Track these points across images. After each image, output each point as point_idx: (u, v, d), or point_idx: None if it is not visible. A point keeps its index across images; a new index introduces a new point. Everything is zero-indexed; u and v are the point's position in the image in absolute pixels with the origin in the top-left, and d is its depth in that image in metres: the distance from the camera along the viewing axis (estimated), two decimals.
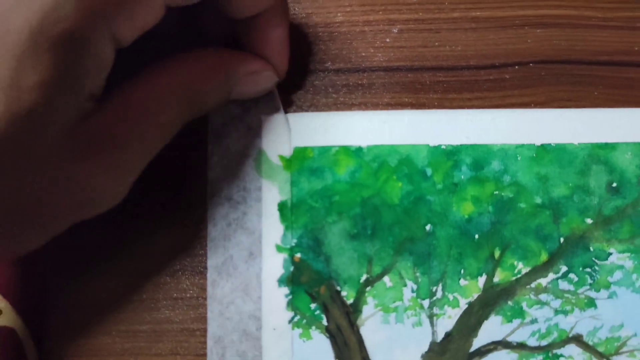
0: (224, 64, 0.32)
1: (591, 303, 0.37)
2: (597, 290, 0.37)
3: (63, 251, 0.36)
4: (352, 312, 0.36)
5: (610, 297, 0.37)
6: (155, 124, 0.30)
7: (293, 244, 0.37)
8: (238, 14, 0.31)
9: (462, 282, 0.37)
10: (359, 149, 0.37)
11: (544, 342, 0.36)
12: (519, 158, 0.37)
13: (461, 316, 0.36)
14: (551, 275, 0.37)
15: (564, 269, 0.37)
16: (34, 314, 0.40)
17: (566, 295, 0.37)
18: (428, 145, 0.37)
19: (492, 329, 0.36)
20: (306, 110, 0.38)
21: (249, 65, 0.33)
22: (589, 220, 0.37)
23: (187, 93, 0.31)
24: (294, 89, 0.38)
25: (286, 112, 0.37)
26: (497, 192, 0.37)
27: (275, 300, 0.36)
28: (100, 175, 0.28)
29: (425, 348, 0.36)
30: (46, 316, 0.37)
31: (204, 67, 0.32)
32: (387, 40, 0.38)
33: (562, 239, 0.37)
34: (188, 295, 0.37)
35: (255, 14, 0.31)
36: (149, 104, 0.30)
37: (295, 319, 0.36)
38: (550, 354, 0.36)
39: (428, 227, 0.37)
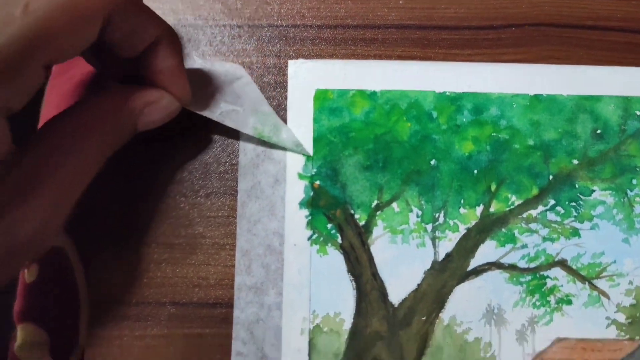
0: (123, 100, 0.34)
1: (575, 233, 0.41)
2: (581, 222, 0.41)
3: (108, 175, 0.41)
4: (364, 232, 0.41)
5: (592, 228, 0.41)
6: (72, 168, 0.32)
7: (313, 173, 0.42)
8: (127, 54, 0.33)
9: (462, 210, 0.42)
10: (374, 93, 0.43)
11: (532, 265, 0.41)
12: (514, 106, 0.43)
13: (460, 240, 0.41)
14: (540, 208, 0.42)
15: (552, 202, 0.42)
16: (81, 233, 0.45)
17: (553, 225, 0.41)
18: (434, 91, 0.43)
19: (487, 251, 0.41)
20: (329, 59, 0.43)
21: (145, 97, 0.34)
22: (575, 161, 0.42)
23: (95, 135, 0.33)
24: (319, 41, 0.43)
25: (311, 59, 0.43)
26: (494, 134, 0.42)
27: (296, 220, 0.41)
28: (26, 223, 0.29)
29: (428, 266, 0.41)
30: (92, 235, 0.42)
31: (106, 107, 0.33)
32: (400, 1, 0.44)
33: (551, 177, 0.42)
34: (220, 214, 0.42)
35: (143, 50, 0.33)
36: (61, 149, 0.31)
37: (314, 237, 0.41)
38: (537, 275, 0.41)
39: (433, 162, 0.42)
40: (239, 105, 0.41)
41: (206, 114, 0.40)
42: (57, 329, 0.45)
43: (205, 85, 0.40)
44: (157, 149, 0.42)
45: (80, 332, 0.45)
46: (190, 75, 0.38)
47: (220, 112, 0.40)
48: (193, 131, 0.42)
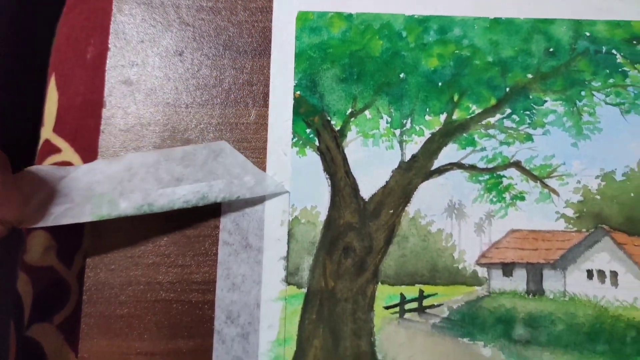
0: None
1: (529, 138, 0.46)
2: (534, 128, 0.46)
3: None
4: (339, 136, 0.46)
5: (544, 134, 0.46)
6: None
7: (294, 84, 0.47)
8: None
9: (427, 117, 0.46)
10: (350, 15, 0.48)
11: (490, 165, 0.46)
12: (475, 27, 0.47)
13: (425, 143, 0.46)
14: (498, 116, 0.46)
15: (508, 111, 0.46)
16: (88, 152, 0.50)
17: (509, 131, 0.46)
18: (404, 14, 0.48)
19: (449, 153, 0.46)
20: None
21: None
22: (529, 75, 0.47)
23: None
24: None
25: None
26: (457, 51, 0.47)
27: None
28: None
29: (395, 165, 0.46)
30: (97, 148, 0.47)
31: None
32: None
33: (507, 89, 0.47)
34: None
35: None
36: None
37: (294, 140, 0.46)
38: (494, 175, 0.46)
39: (402, 75, 0.47)
40: (69, 202, 0.41)
41: (40, 224, 0.40)
42: (62, 233, 0.50)
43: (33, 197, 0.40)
44: None
45: (84, 235, 0.50)
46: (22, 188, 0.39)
47: (53, 217, 0.40)
48: None
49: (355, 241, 0.44)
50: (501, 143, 0.46)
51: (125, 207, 0.42)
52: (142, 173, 0.42)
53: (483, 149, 0.46)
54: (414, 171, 0.45)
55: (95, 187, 0.42)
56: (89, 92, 0.51)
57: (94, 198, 0.41)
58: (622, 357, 0.43)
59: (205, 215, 0.45)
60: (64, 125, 0.51)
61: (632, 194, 0.45)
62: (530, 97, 0.46)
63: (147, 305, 0.44)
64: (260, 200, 0.44)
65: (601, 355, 0.43)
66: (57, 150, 0.51)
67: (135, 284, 0.44)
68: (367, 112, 0.46)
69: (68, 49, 0.53)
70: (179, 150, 0.44)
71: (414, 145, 0.46)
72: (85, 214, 0.41)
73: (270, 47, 0.47)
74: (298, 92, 0.46)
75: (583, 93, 0.46)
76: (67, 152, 0.51)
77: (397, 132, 0.46)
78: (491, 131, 0.46)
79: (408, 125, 0.46)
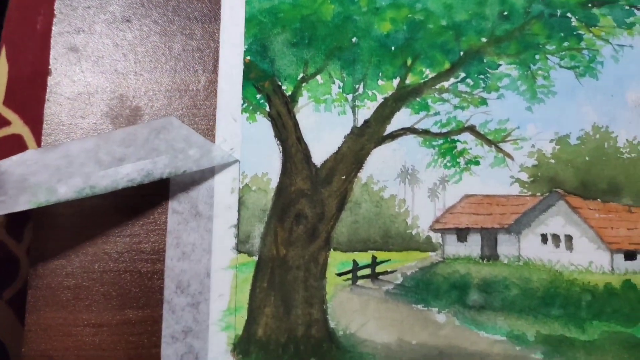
0: None
1: (483, 102, 0.45)
2: (489, 92, 0.45)
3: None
4: (290, 102, 0.45)
5: (499, 97, 0.45)
6: None
7: (245, 49, 0.46)
8: None
9: (380, 82, 0.46)
10: None
11: (444, 130, 0.45)
12: None
13: (378, 107, 0.45)
14: (452, 80, 0.46)
15: (462, 75, 0.46)
16: (38, 123, 0.49)
17: (463, 95, 0.45)
18: None
19: (402, 118, 0.45)
20: None
21: None
22: (483, 39, 0.46)
23: None
24: None
25: None
26: (410, 15, 0.46)
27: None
28: None
29: (348, 131, 0.45)
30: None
31: None
32: None
33: (461, 53, 0.46)
34: None
35: None
36: None
37: (244, 106, 0.45)
38: (448, 139, 0.45)
39: (354, 40, 0.46)
40: (1, 195, 0.40)
41: None
42: None
43: None
44: None
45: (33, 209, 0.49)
46: None
47: None
48: None
49: (307, 208, 0.43)
50: (455, 107, 0.45)
51: (65, 191, 0.41)
52: (81, 158, 0.41)
53: (437, 114, 0.45)
54: (367, 136, 0.44)
55: (30, 178, 0.41)
56: (39, 62, 0.50)
57: (29, 188, 0.40)
58: (577, 321, 0.42)
59: (154, 184, 0.44)
60: (13, 97, 0.50)
61: (586, 158, 0.44)
62: (485, 61, 0.45)
63: (95, 276, 0.43)
64: (209, 170, 0.43)
65: (556, 320, 0.42)
66: (6, 123, 0.50)
67: (83, 255, 0.43)
68: (318, 77, 0.45)
69: (18, 19, 0.52)
70: (119, 132, 0.43)
71: (366, 111, 0.45)
72: (21, 203, 0.40)
73: (220, 12, 0.46)
74: (248, 58, 0.45)
75: (537, 57, 0.45)
76: (17, 125, 0.50)
77: (350, 97, 0.45)
78: (445, 95, 0.45)
79: (360, 90, 0.45)
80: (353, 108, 0.45)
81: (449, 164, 0.44)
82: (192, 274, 0.43)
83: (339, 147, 0.44)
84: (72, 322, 0.43)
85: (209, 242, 0.43)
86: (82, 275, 0.43)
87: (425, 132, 0.45)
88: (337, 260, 0.43)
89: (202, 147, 0.43)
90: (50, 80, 0.46)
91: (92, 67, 0.46)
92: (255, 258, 0.43)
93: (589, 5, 0.46)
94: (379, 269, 0.43)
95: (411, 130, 0.45)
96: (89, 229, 0.44)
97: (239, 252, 0.43)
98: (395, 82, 0.45)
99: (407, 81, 0.45)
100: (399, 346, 0.42)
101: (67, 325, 0.43)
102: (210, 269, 0.43)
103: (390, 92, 0.45)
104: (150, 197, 0.44)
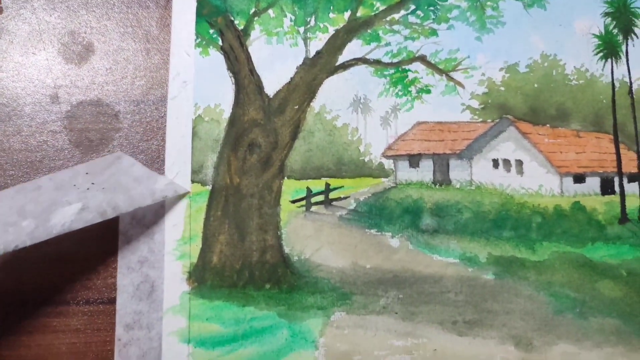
0: None
1: (433, 32, 0.46)
2: (439, 23, 0.46)
3: None
4: (242, 35, 0.46)
5: (449, 28, 0.46)
6: None
7: None
8: None
9: (331, 15, 0.46)
10: None
11: (395, 60, 0.46)
12: None
13: (329, 39, 0.46)
14: (402, 12, 0.46)
15: (412, 7, 0.46)
16: None
17: (414, 26, 0.46)
18: None
19: (354, 49, 0.46)
20: None
21: None
22: None
23: None
24: None
25: None
26: None
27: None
28: None
29: (300, 62, 0.45)
30: None
31: None
32: None
33: None
34: None
35: None
36: None
37: (197, 41, 0.45)
38: (400, 69, 0.45)
39: None
40: None
41: None
42: None
43: None
44: None
45: None
46: None
47: None
48: None
49: (260, 137, 0.44)
50: (406, 38, 0.46)
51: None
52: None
53: (388, 44, 0.45)
54: (319, 67, 0.45)
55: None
56: None
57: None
58: (528, 242, 0.43)
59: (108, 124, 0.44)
60: None
61: (535, 85, 0.45)
62: None
63: None
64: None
65: (507, 241, 0.43)
66: None
67: None
68: (270, 11, 0.46)
69: None
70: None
71: (318, 42, 0.45)
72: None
73: None
74: None
75: None
76: None
77: (301, 29, 0.45)
78: (396, 27, 0.46)
79: (312, 23, 0.46)
80: (305, 40, 0.45)
81: (400, 93, 0.45)
82: (147, 205, 0.43)
83: (291, 78, 0.45)
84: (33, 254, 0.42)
85: (162, 173, 0.43)
86: None
87: (377, 62, 0.45)
88: (291, 188, 0.43)
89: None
90: (2, 19, 0.45)
91: (43, 4, 0.46)
92: (209, 187, 0.43)
93: None
94: (332, 195, 0.43)
95: (363, 60, 0.45)
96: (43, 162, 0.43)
97: (192, 181, 0.43)
98: (347, 14, 0.46)
99: (358, 14, 0.46)
100: (354, 270, 0.42)
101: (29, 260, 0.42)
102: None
103: (341, 24, 0.45)
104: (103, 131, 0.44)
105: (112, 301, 0.42)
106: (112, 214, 0.39)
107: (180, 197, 0.42)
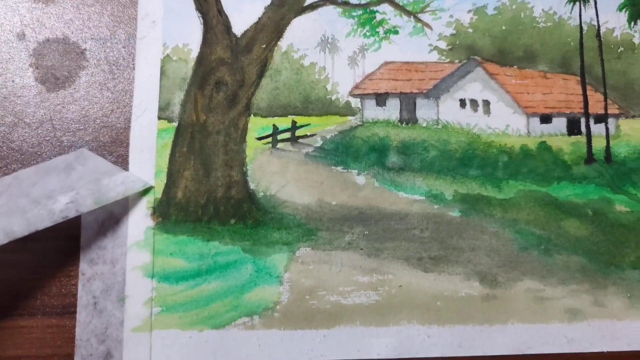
0: None
1: None
2: None
3: None
4: None
5: None
6: None
7: None
8: None
9: None
10: None
11: (363, 1, 0.46)
12: None
13: None
14: None
15: None
16: None
17: None
18: None
19: None
20: None
21: None
22: None
23: None
24: None
25: None
26: None
27: None
28: None
29: (268, 2, 0.45)
30: None
31: None
32: None
33: None
34: None
35: None
36: None
37: None
38: (368, 10, 0.46)
39: None
40: None
41: None
42: None
43: None
44: None
45: None
46: None
47: None
48: None
49: (227, 75, 0.44)
50: None
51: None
52: None
53: None
54: (287, 7, 0.45)
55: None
56: None
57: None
58: (494, 180, 0.43)
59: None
60: None
61: (503, 27, 0.45)
62: None
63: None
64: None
65: (473, 179, 0.43)
66: None
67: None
68: None
69: None
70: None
71: None
72: None
73: None
74: None
75: None
76: None
77: None
78: None
79: None
80: None
81: (368, 34, 0.45)
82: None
83: (259, 18, 0.45)
84: None
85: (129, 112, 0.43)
86: None
87: (345, 3, 0.45)
88: (258, 125, 0.43)
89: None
90: None
91: None
92: (175, 124, 0.43)
93: None
94: (298, 132, 0.43)
95: (331, 1, 0.45)
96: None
97: (159, 118, 0.43)
98: None
99: None
100: (319, 207, 0.42)
101: None
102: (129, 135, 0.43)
103: None
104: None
105: (77, 238, 0.41)
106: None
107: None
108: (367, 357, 0.40)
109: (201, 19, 0.45)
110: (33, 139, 0.43)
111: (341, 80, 0.44)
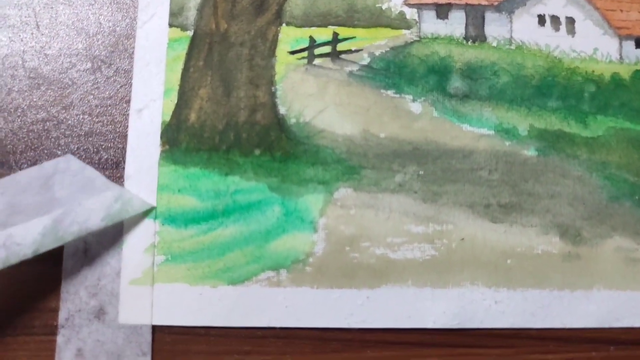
0: None
1: None
2: None
3: None
4: None
5: None
6: None
7: None
8: None
9: None
10: None
11: None
12: None
13: None
14: None
15: None
16: None
17: None
18: None
19: None
20: None
21: None
22: None
23: None
24: None
25: None
26: None
27: None
28: None
29: None
30: None
31: None
32: None
33: None
34: None
35: None
36: None
37: None
38: None
39: None
40: None
41: None
42: None
43: None
44: None
45: None
46: None
47: None
48: None
49: None
50: None
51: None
52: None
53: None
54: None
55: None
56: None
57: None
58: (578, 114, 0.35)
59: None
60: None
61: None
62: None
63: None
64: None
65: (553, 112, 0.35)
66: None
67: None
68: None
69: None
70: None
71: None
72: None
73: None
74: None
75: None
76: None
77: None
78: None
79: None
80: None
81: None
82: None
83: None
84: None
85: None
86: None
87: None
88: (291, 37, 0.35)
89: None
90: None
91: None
92: (190, 33, 0.35)
93: None
94: (340, 47, 0.35)
95: None
96: None
97: (171, 25, 0.35)
98: None
99: None
100: (364, 139, 0.34)
101: None
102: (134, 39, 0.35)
103: None
104: None
105: None
106: None
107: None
108: (420, 326, 0.32)
109: None
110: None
111: None
